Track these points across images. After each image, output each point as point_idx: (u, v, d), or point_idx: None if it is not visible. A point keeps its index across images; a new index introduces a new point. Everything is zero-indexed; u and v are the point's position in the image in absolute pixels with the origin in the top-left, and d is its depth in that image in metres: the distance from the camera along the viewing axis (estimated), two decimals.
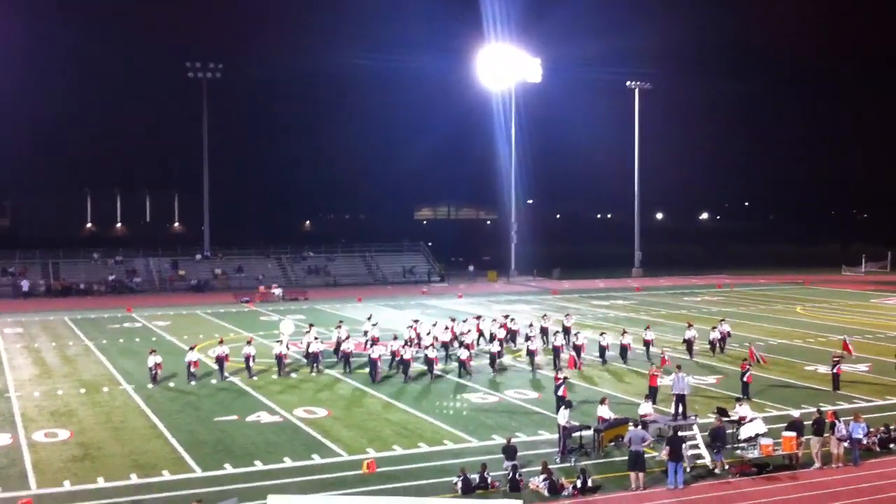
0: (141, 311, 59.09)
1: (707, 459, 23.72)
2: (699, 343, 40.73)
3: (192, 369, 35.30)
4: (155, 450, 25.87)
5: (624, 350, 39.03)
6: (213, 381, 35.29)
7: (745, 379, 31.69)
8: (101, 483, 22.79)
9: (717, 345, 41.07)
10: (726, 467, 23.39)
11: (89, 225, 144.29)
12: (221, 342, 37.52)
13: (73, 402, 31.87)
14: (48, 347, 44.39)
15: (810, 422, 24.73)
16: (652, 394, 29.10)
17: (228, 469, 23.98)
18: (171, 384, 34.93)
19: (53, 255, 77.98)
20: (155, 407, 31.09)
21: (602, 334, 40.34)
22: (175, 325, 52.72)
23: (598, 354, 39.18)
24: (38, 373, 37.71)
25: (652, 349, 39.65)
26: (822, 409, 26.41)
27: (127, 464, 24.45)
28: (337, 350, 39.25)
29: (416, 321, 43.54)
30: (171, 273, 78.93)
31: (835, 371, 33.12)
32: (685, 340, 40.26)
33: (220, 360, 35.94)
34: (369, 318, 43.86)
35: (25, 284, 70.92)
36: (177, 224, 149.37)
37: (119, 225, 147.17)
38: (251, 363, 36.02)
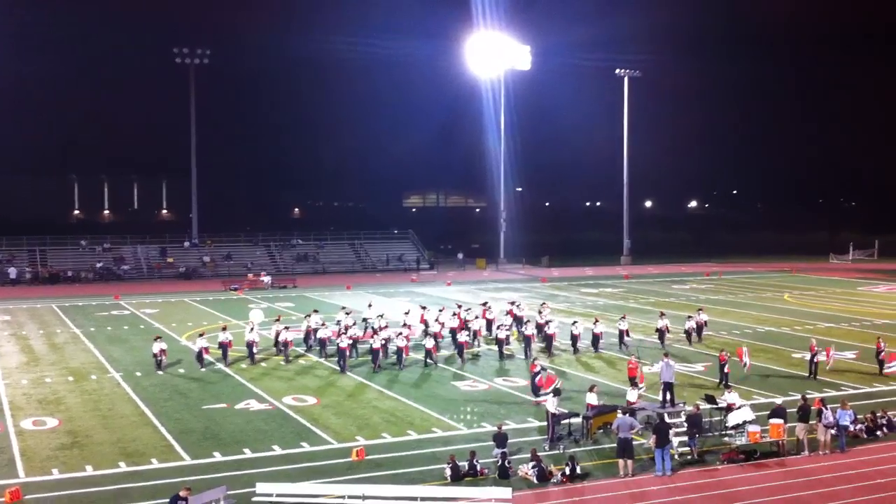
0: (129, 299, 58.91)
1: (682, 448, 23.65)
2: (674, 332, 40.83)
3: (205, 356, 35.58)
4: (143, 438, 25.82)
5: (596, 339, 38.96)
6: (219, 366, 35.57)
7: (725, 370, 31.67)
8: (89, 471, 22.74)
9: (692, 334, 40.80)
10: (696, 456, 23.41)
11: (76, 212, 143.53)
12: (224, 329, 37.62)
13: (61, 390, 31.77)
14: (36, 335, 44.20)
15: (795, 409, 24.86)
16: (633, 385, 29.13)
17: (217, 457, 23.96)
18: (160, 372, 34.84)
19: (40, 242, 77.66)
20: (143, 395, 31.02)
21: (574, 323, 40.21)
22: (163, 312, 52.57)
23: (569, 343, 39.03)
24: (26, 360, 37.57)
25: (626, 339, 39.52)
26: (808, 395, 26.54)
27: (115, 452, 24.39)
28: (307, 338, 39.13)
29: (423, 308, 43.61)
30: (160, 260, 78.71)
31: (814, 360, 33.27)
32: (657, 330, 40.26)
33: (224, 347, 36.09)
34: (370, 307, 44.34)
35: (12, 272, 70.64)
36: (165, 211, 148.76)
37: (107, 212, 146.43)
38: (254, 349, 36.40)
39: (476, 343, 39.54)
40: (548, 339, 39.13)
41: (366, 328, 40.16)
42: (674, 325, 41.59)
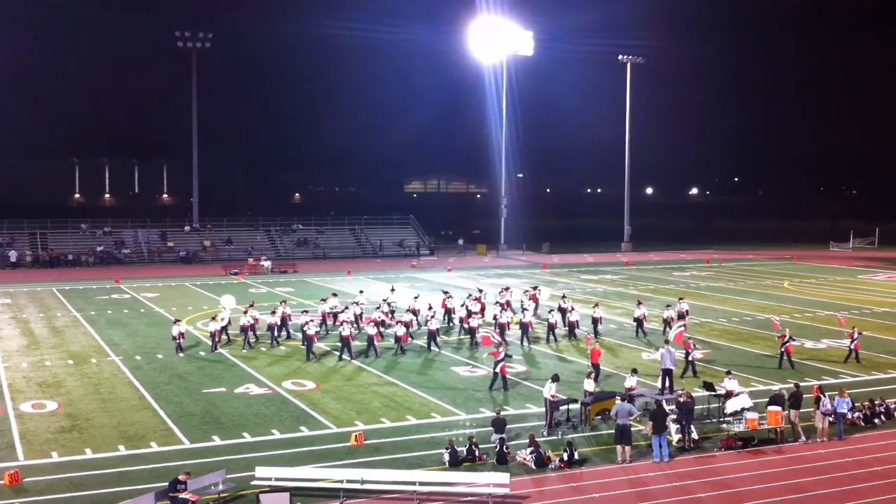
0: (129, 283, 58.96)
1: (674, 436, 23.65)
2: (653, 321, 40.68)
3: (217, 338, 35.76)
4: (143, 421, 25.89)
5: (571, 327, 39.06)
6: (244, 350, 35.73)
7: (689, 358, 31.18)
8: (88, 454, 22.81)
9: (671, 323, 39.41)
10: (691, 444, 23.44)
11: (77, 195, 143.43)
12: (246, 312, 37.31)
13: (61, 374, 31.83)
14: (36, 318, 44.26)
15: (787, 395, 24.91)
16: (595, 371, 29.16)
17: (217, 441, 24.03)
18: (160, 356, 34.91)
19: (41, 226, 77.66)
20: (143, 378, 31.08)
21: (572, 310, 40.22)
22: (163, 296, 52.61)
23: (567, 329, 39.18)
24: (26, 344, 37.63)
25: (599, 326, 39.12)
26: (801, 384, 26.49)
27: (115, 435, 24.46)
28: (323, 321, 39.35)
29: (446, 293, 43.83)
30: (160, 244, 78.71)
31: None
32: (635, 319, 39.89)
33: (245, 330, 36.30)
34: (392, 291, 44.95)
35: (13, 255, 70.66)
36: (165, 195, 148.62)
37: (107, 195, 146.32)
38: (217, 338, 36.16)
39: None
40: (570, 326, 39.23)
41: (392, 312, 40.19)
42: (663, 314, 41.17)
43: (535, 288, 45.79)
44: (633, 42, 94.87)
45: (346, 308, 38.80)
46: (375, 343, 35.10)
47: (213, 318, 36.62)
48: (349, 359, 33.82)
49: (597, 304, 40.99)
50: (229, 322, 37.58)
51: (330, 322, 39.83)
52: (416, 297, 42.33)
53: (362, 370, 32.56)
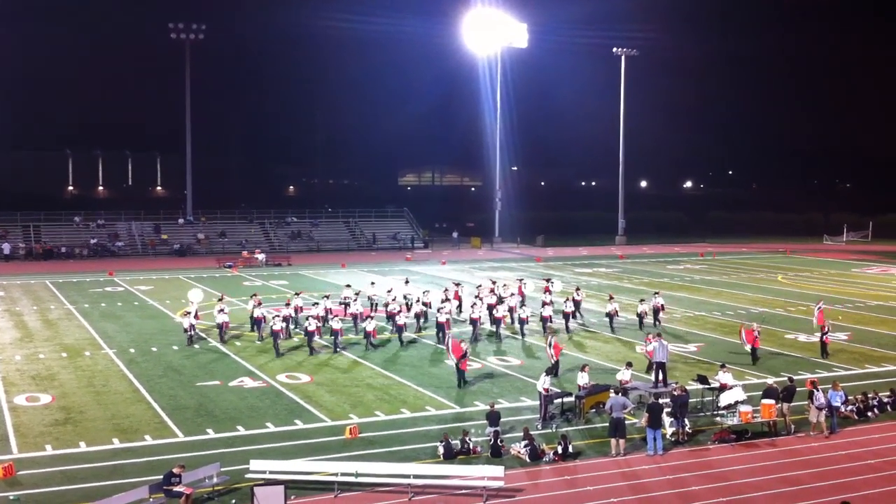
0: (123, 276, 58.86)
1: (668, 429, 23.69)
2: (624, 315, 40.66)
3: (224, 329, 35.94)
4: (137, 414, 25.86)
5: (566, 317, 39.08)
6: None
7: (647, 351, 30.74)
8: (82, 447, 22.79)
9: (645, 318, 39.52)
10: (685, 437, 23.49)
11: (71, 188, 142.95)
12: (256, 297, 37.64)
13: (55, 366, 31.78)
14: (30, 311, 44.16)
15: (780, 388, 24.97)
16: (554, 367, 29.16)
17: (211, 434, 24.02)
18: (154, 348, 34.87)
19: (35, 218, 77.43)
20: (137, 371, 31.05)
21: (565, 301, 40.12)
22: (157, 289, 52.54)
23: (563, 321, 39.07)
24: (20, 336, 37.55)
25: (570, 321, 39.12)
26: (793, 377, 26.57)
27: (109, 428, 24.44)
28: (326, 318, 39.17)
29: (458, 284, 43.85)
30: (154, 237, 78.57)
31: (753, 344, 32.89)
32: (607, 314, 39.58)
33: (258, 321, 36.44)
34: (407, 283, 45.22)
35: (6, 247, 70.51)
36: (159, 187, 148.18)
37: (101, 188, 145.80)
38: (191, 332, 36.12)
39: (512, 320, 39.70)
40: (566, 317, 39.13)
41: (409, 305, 40.13)
42: (637, 308, 40.60)
43: (548, 280, 45.89)
44: (627, 35, 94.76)
45: (316, 304, 37.91)
46: (372, 339, 35.20)
47: (186, 314, 36.58)
48: (312, 353, 33.58)
49: (611, 297, 41.14)
50: (197, 316, 37.43)
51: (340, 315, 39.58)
52: (425, 292, 42.33)
53: (357, 363, 32.56)
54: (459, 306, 40.61)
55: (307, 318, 35.31)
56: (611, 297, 41.05)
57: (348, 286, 42.89)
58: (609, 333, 38.30)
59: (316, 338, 34.33)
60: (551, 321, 38.26)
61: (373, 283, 45.21)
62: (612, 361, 32.37)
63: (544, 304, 39.49)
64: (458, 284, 44.22)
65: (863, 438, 23.97)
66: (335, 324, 34.81)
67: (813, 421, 24.12)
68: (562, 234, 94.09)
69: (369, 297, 42.72)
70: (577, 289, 43.42)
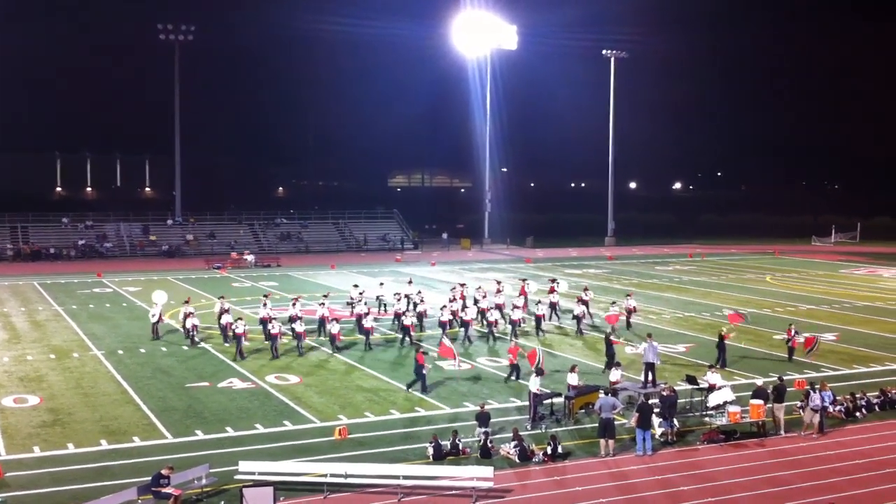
0: (111, 277, 58.65)
1: (657, 430, 23.73)
2: (589, 318, 40.29)
3: (228, 332, 35.38)
4: (126, 416, 25.77)
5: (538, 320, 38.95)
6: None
7: (612, 347, 31.05)
8: (71, 449, 22.70)
9: (583, 318, 39.17)
10: (674, 438, 23.55)
11: (59, 188, 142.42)
12: (265, 305, 36.88)
13: (43, 368, 31.64)
14: (17, 312, 43.95)
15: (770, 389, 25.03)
16: (514, 370, 29.31)
17: (200, 435, 23.95)
18: (142, 350, 34.76)
19: (23, 219, 77.08)
20: (125, 373, 30.94)
21: (579, 302, 40.23)
22: (146, 290, 52.20)
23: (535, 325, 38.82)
24: (8, 338, 37.37)
25: (543, 323, 38.83)
26: (784, 377, 26.65)
27: (97, 429, 24.35)
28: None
29: (462, 285, 43.98)
30: (142, 238, 78.31)
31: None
32: (574, 316, 39.18)
33: (263, 322, 35.92)
34: (410, 283, 45.24)
35: None
36: (148, 188, 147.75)
37: (89, 189, 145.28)
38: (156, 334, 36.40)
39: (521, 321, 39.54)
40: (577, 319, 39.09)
41: (414, 305, 39.87)
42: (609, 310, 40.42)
43: (498, 282, 45.81)
44: (616, 37, 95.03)
45: (294, 304, 37.59)
46: (369, 337, 35.31)
47: (189, 315, 36.37)
48: (274, 357, 33.29)
49: (629, 295, 41.30)
50: (160, 318, 37.27)
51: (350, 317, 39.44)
52: (418, 292, 42.30)
53: (346, 365, 32.51)
54: (464, 306, 40.60)
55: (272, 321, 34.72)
56: (578, 301, 40.11)
57: (356, 286, 43.21)
58: (596, 334, 38.16)
59: (305, 340, 34.33)
60: (548, 319, 38.25)
61: (381, 284, 45.28)
62: (601, 362, 32.39)
63: (515, 307, 38.90)
64: (462, 285, 44.28)
65: (851, 439, 24.07)
66: (298, 326, 34.49)
67: (807, 421, 24.20)
68: (551, 235, 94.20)
69: (377, 298, 42.51)
70: (586, 289, 43.39)
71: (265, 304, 36.99)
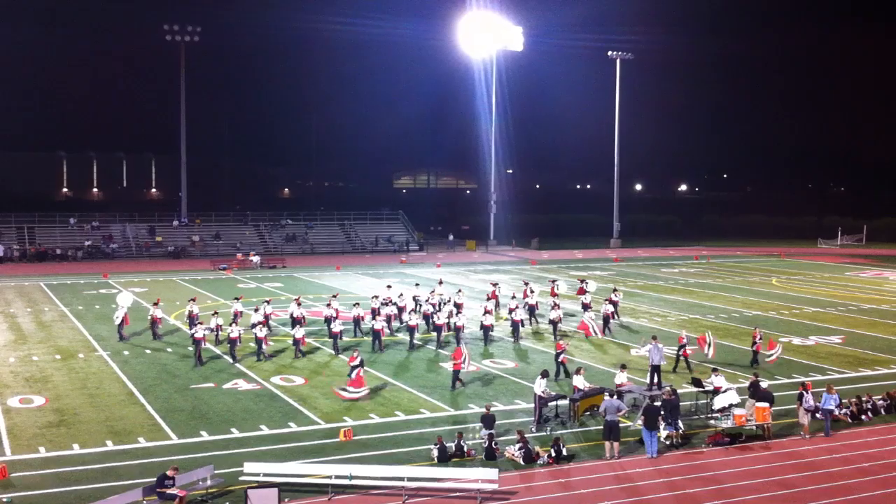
0: (117, 278, 58.74)
1: (662, 432, 23.64)
2: (567, 322, 40.24)
3: (121, 336, 36.34)
4: (131, 416, 25.80)
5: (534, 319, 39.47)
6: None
7: (560, 360, 30.45)
8: (76, 449, 22.73)
9: (610, 318, 39.20)
10: (679, 440, 23.48)
11: (65, 189, 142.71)
12: (193, 302, 37.61)
13: (49, 368, 31.69)
14: (23, 313, 44.04)
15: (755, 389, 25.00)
16: (454, 377, 29.20)
17: (205, 436, 23.97)
18: (148, 351, 34.81)
19: (29, 220, 77.26)
20: (131, 374, 30.97)
21: (608, 303, 40.28)
22: (152, 291, 52.42)
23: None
24: (14, 338, 37.44)
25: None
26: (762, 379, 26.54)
27: (102, 430, 24.38)
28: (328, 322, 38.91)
29: (495, 284, 44.68)
30: (148, 239, 78.45)
31: (681, 354, 32.09)
32: (550, 321, 38.56)
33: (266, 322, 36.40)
34: (441, 284, 45.06)
35: (0, 249, 70.27)
36: (154, 189, 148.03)
37: (95, 189, 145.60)
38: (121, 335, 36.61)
39: (532, 322, 40.17)
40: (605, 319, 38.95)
41: (440, 306, 39.60)
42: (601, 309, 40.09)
43: (494, 284, 45.90)
44: (622, 38, 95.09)
45: (257, 309, 37.26)
46: (413, 335, 35.92)
47: (214, 314, 36.81)
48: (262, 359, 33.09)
49: (615, 290, 41.90)
50: (125, 319, 37.16)
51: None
52: (458, 291, 42.43)
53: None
54: (497, 306, 40.69)
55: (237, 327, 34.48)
56: (555, 306, 39.39)
57: (389, 287, 44.11)
58: (603, 337, 38.09)
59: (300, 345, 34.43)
60: (561, 321, 38.40)
61: (417, 285, 45.75)
62: (607, 364, 32.37)
63: (515, 308, 38.64)
64: (495, 285, 44.37)
65: (857, 442, 24.00)
66: (297, 333, 34.42)
67: (802, 423, 24.16)
68: (557, 236, 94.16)
69: (413, 298, 41.95)
70: (615, 290, 43.46)
71: (257, 310, 37.02)
